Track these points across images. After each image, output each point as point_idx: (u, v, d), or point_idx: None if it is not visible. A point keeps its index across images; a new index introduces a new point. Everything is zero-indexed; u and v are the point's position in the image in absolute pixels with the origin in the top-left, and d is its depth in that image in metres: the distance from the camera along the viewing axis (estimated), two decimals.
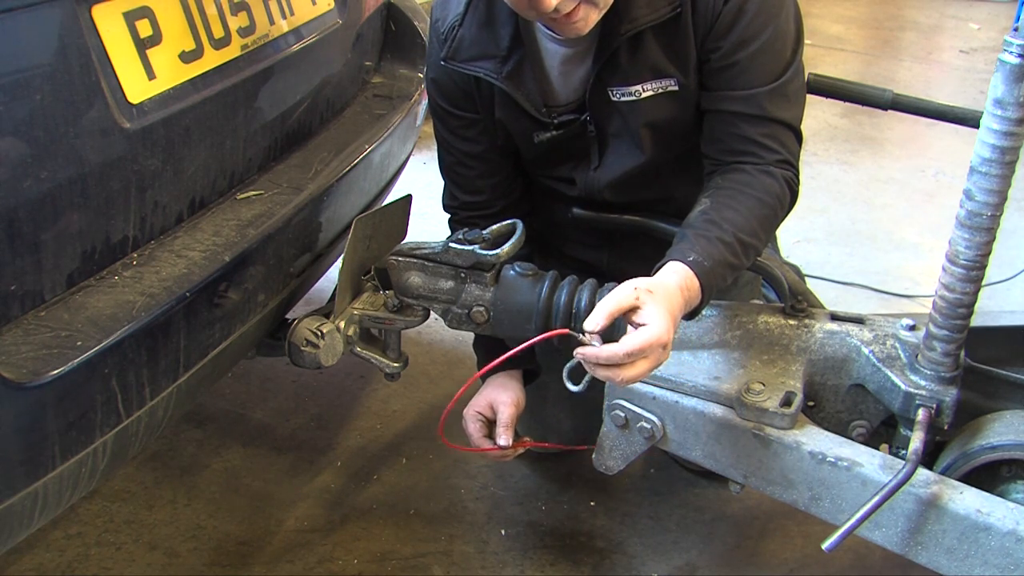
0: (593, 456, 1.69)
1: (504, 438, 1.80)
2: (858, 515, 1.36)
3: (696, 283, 1.44)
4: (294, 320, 1.69)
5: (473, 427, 1.85)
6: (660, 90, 1.63)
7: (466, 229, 1.66)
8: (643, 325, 1.33)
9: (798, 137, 1.66)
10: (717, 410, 1.54)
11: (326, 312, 1.71)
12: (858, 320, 1.64)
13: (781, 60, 1.59)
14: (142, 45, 1.42)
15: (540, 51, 1.67)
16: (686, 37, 1.58)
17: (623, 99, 1.65)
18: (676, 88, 1.63)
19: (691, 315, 1.50)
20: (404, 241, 1.75)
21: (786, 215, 1.66)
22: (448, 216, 1.96)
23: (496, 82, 1.67)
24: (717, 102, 1.62)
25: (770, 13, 1.57)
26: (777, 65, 1.59)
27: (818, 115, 4.33)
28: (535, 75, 1.67)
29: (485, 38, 1.65)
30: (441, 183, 1.95)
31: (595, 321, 1.34)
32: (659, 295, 1.36)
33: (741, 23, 1.56)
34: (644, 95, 1.64)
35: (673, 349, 1.61)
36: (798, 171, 1.66)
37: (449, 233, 1.90)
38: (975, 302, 1.43)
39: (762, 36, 1.56)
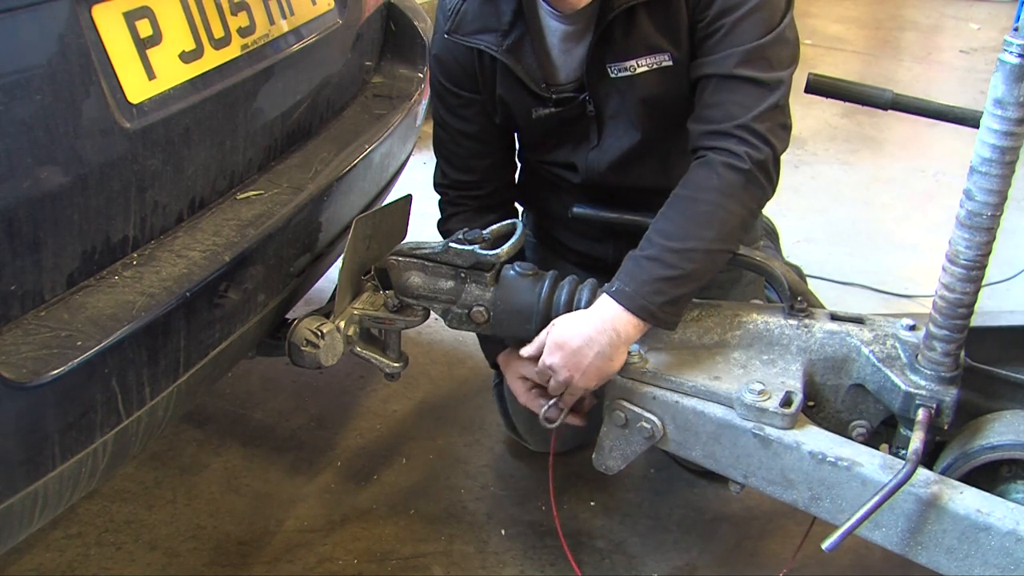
0: (593, 456, 1.69)
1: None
2: (858, 515, 1.36)
3: (616, 307, 1.54)
4: (294, 320, 1.69)
5: (521, 387, 1.82)
6: (655, 65, 1.66)
7: (466, 229, 1.67)
8: None
9: (776, 100, 1.59)
10: (717, 410, 1.54)
11: (326, 312, 1.71)
12: (858, 320, 1.64)
13: (766, 25, 1.57)
14: (142, 45, 1.42)
15: (541, 28, 1.70)
16: (678, 11, 1.61)
17: (620, 75, 1.68)
18: (670, 63, 1.65)
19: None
20: (404, 241, 1.75)
21: (754, 193, 1.59)
22: (438, 197, 1.96)
23: (496, 55, 1.70)
24: (697, 69, 1.63)
25: None
26: (759, 29, 1.57)
27: (818, 115, 4.33)
28: (535, 51, 1.70)
29: (488, 12, 1.70)
30: None
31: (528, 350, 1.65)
32: (558, 321, 1.60)
33: None
34: (639, 70, 1.67)
35: (673, 349, 1.62)
36: (767, 137, 1.58)
37: (439, 215, 1.91)
38: (975, 302, 1.43)
39: (747, 3, 1.57)
